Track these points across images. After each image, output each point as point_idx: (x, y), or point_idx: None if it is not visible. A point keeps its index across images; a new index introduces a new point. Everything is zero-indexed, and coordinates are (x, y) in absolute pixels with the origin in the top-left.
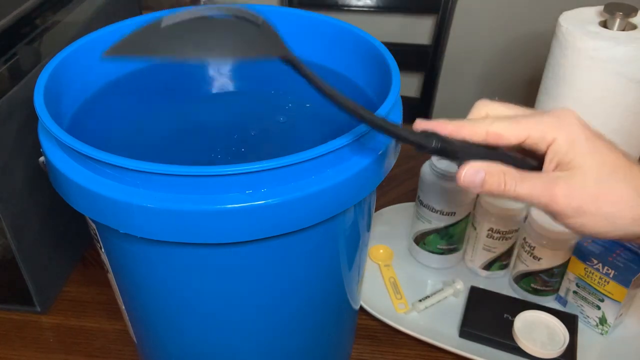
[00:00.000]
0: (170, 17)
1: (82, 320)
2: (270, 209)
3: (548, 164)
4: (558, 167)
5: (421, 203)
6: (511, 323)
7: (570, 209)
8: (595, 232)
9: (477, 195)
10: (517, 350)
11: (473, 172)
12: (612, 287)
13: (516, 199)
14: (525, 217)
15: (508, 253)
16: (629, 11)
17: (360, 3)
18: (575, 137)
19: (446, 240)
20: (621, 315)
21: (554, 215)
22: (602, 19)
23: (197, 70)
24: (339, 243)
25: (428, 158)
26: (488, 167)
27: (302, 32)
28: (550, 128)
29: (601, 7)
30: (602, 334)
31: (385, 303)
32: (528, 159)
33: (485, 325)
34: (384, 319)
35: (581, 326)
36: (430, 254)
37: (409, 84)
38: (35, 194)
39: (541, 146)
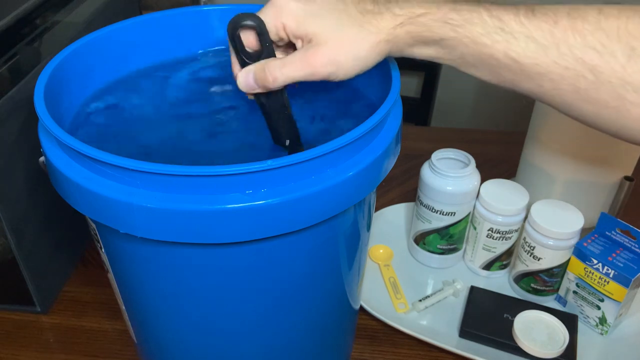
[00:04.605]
0: None
1: (82, 320)
2: (270, 209)
3: (295, 43)
4: (303, 42)
5: (421, 203)
6: (511, 323)
7: (328, 66)
8: (352, 72)
9: (477, 195)
10: (517, 350)
11: (245, 75)
12: (612, 287)
13: (289, 81)
14: (525, 217)
15: (508, 253)
16: None
17: None
18: (295, 12)
19: (446, 240)
20: (621, 315)
21: (323, 78)
22: None
23: (199, 70)
24: (339, 243)
25: (428, 158)
26: (254, 66)
27: None
28: (274, 17)
29: None
30: (602, 334)
31: (385, 303)
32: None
33: (485, 325)
34: (384, 318)
35: (581, 326)
36: (430, 253)
37: (409, 84)
38: (35, 194)
39: (283, 35)
